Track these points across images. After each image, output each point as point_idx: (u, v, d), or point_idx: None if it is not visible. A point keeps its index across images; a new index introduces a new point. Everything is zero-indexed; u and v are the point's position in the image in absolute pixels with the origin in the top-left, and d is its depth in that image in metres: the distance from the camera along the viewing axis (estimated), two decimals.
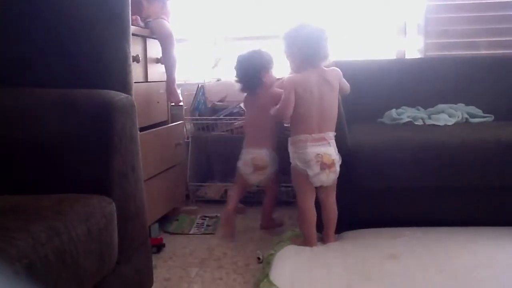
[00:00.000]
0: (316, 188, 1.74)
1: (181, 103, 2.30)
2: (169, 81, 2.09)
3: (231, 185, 2.23)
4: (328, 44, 1.77)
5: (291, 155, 1.75)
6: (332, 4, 2.60)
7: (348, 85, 1.82)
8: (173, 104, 2.26)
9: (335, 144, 1.72)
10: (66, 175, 1.11)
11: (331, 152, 1.70)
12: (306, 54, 1.75)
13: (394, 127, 2.06)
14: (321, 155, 1.68)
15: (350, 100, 2.00)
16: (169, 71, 2.07)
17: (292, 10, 2.62)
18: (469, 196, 1.77)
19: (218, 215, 2.27)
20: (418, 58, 2.56)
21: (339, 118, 1.77)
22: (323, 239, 1.76)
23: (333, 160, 1.69)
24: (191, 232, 2.07)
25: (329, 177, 1.70)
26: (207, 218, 2.23)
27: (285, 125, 2.03)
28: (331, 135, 1.72)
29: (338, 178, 1.73)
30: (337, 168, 1.71)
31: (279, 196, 2.20)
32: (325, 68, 1.77)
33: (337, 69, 1.80)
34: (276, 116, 1.79)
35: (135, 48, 1.85)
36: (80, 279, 0.89)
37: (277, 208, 2.14)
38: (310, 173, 1.68)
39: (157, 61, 2.07)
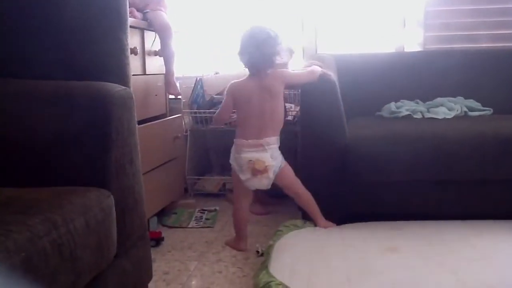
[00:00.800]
0: (280, 186, 1.81)
1: (180, 96, 2.29)
2: (168, 74, 2.07)
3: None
4: (276, 50, 1.76)
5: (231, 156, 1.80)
6: None
7: (306, 73, 1.81)
8: (173, 97, 2.25)
9: (275, 149, 1.76)
10: (63, 168, 1.10)
11: (265, 158, 1.72)
12: (247, 60, 1.77)
13: (393, 120, 2.06)
14: (253, 161, 1.71)
15: (349, 93, 2.00)
16: (168, 63, 2.06)
17: (291, 3, 2.61)
18: (469, 189, 1.77)
19: (217, 208, 2.27)
20: (418, 52, 2.55)
21: (337, 111, 1.76)
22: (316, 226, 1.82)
23: (266, 166, 1.71)
24: (189, 226, 2.07)
25: (261, 183, 1.74)
26: (206, 212, 2.23)
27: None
28: (269, 140, 1.74)
29: (337, 170, 1.75)
30: (271, 174, 1.73)
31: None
32: (268, 73, 1.76)
33: (282, 71, 1.82)
34: (214, 120, 1.88)
35: (132, 41, 1.84)
36: (78, 272, 0.89)
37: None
38: (242, 177, 1.74)
39: (155, 53, 2.06)
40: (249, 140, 1.73)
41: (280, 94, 1.78)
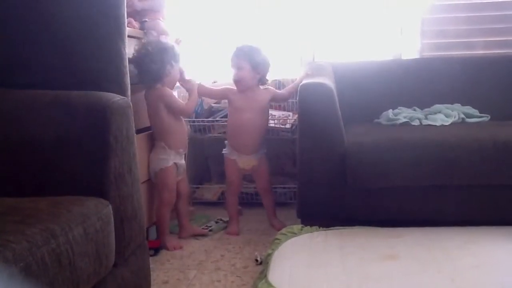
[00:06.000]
0: None
1: None
2: None
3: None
4: (164, 63, 1.86)
5: None
6: (329, 5, 2.60)
7: (175, 104, 1.93)
8: None
9: (176, 158, 1.99)
10: (62, 177, 1.10)
11: None
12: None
13: (391, 127, 2.06)
14: None
15: (346, 101, 2.01)
16: None
17: (289, 11, 2.62)
18: (467, 195, 1.76)
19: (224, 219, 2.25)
20: (415, 59, 2.55)
21: (335, 117, 1.77)
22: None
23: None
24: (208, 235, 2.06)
25: None
26: (220, 221, 2.19)
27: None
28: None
29: (335, 177, 1.76)
30: None
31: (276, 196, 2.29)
32: (157, 87, 1.89)
33: (162, 89, 1.90)
34: None
35: (130, 50, 1.85)
36: (76, 282, 0.89)
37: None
38: None
39: None
40: None
41: (160, 108, 1.89)
